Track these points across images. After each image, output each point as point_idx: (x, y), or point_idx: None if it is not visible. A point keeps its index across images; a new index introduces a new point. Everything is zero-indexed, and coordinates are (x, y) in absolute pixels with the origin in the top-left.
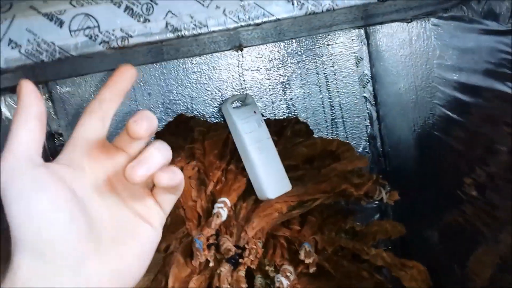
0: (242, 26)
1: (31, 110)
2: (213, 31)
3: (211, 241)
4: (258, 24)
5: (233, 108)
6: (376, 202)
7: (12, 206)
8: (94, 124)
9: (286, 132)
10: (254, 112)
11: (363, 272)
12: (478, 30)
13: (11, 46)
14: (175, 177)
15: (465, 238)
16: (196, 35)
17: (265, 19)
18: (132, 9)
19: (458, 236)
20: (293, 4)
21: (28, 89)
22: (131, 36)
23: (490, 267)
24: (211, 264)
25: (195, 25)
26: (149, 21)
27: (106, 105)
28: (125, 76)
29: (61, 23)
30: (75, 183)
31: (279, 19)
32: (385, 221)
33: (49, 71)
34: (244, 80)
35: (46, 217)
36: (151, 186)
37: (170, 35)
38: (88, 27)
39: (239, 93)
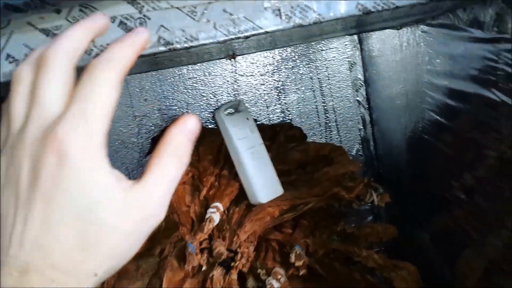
0: (232, 39)
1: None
2: (204, 44)
3: (204, 245)
4: (247, 37)
5: (226, 115)
6: (369, 204)
7: None
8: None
9: (279, 138)
10: (247, 118)
11: (355, 274)
12: (464, 38)
13: (9, 60)
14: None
15: (454, 241)
16: (188, 48)
17: (254, 32)
18: (126, 24)
19: (448, 238)
20: (280, 17)
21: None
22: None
23: (478, 269)
24: (204, 268)
25: (186, 38)
26: None
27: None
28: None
29: None
30: None
31: (267, 32)
32: (377, 224)
33: None
34: (239, 86)
35: None
36: None
37: (162, 48)
38: None
39: (232, 100)
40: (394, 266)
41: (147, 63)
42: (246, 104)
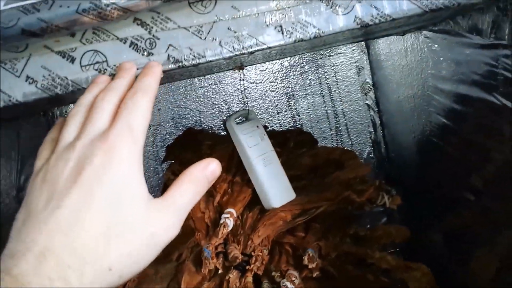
0: (236, 55)
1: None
2: (211, 61)
3: (219, 249)
4: (251, 53)
5: (237, 123)
6: (381, 207)
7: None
8: None
9: (289, 144)
10: (257, 126)
11: (368, 275)
12: (465, 44)
13: (28, 81)
14: None
15: (466, 241)
16: (196, 65)
17: (258, 48)
18: (137, 44)
19: (459, 238)
20: (282, 33)
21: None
22: (136, 69)
23: (490, 269)
24: (220, 271)
25: (194, 56)
26: (152, 54)
27: None
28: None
29: (72, 60)
30: None
31: (270, 47)
32: (389, 226)
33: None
34: (249, 93)
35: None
36: None
37: (172, 66)
38: (98, 62)
39: (242, 109)
40: (408, 267)
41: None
42: (257, 111)
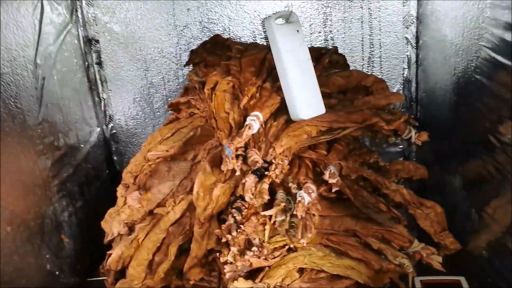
0: None
1: None
2: None
3: (239, 152)
4: None
5: (277, 24)
6: (402, 145)
7: None
8: None
9: (324, 60)
10: (297, 31)
11: (380, 205)
12: None
13: None
14: None
15: (489, 185)
16: None
17: None
18: None
19: (481, 183)
20: None
21: None
22: None
23: (509, 214)
24: (237, 174)
25: None
26: None
27: None
28: None
29: None
30: None
31: None
32: (409, 162)
33: None
34: (285, 6)
35: None
36: None
37: None
38: None
39: (284, 10)
40: (421, 204)
41: None
42: None
